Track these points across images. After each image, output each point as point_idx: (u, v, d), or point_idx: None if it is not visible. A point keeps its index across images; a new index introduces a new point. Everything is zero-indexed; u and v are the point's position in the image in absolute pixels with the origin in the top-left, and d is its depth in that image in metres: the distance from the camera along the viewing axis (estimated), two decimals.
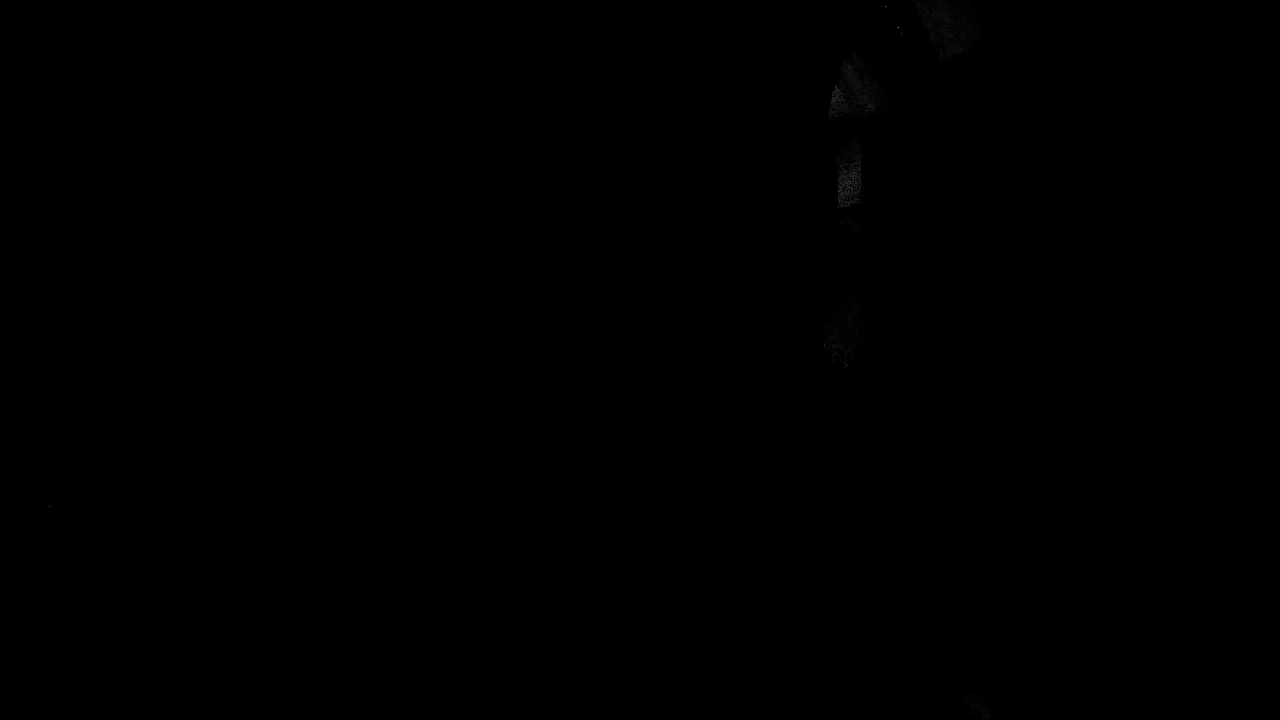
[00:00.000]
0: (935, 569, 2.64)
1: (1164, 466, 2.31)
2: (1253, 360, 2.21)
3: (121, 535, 1.72)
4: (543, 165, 2.51)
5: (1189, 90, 2.29)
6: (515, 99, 2.41)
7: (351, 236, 2.07)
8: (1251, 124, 2.21)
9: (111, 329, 1.70)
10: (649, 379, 3.00)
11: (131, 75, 1.71)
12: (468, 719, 2.08)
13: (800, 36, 2.65)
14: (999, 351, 2.55)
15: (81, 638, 1.65)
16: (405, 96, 2.16)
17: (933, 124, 2.94)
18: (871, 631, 2.60)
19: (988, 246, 2.56)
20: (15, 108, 1.57)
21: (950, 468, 2.62)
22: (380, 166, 2.13)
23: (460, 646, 2.25)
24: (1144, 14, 2.34)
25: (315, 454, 2.02)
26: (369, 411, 2.12)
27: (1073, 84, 2.49)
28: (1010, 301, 2.53)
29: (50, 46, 1.60)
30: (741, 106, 2.68)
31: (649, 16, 2.64)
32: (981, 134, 2.74)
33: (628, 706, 2.13)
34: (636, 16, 2.62)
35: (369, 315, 2.11)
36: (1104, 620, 2.40)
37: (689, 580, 2.83)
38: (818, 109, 2.84)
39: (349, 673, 2.04)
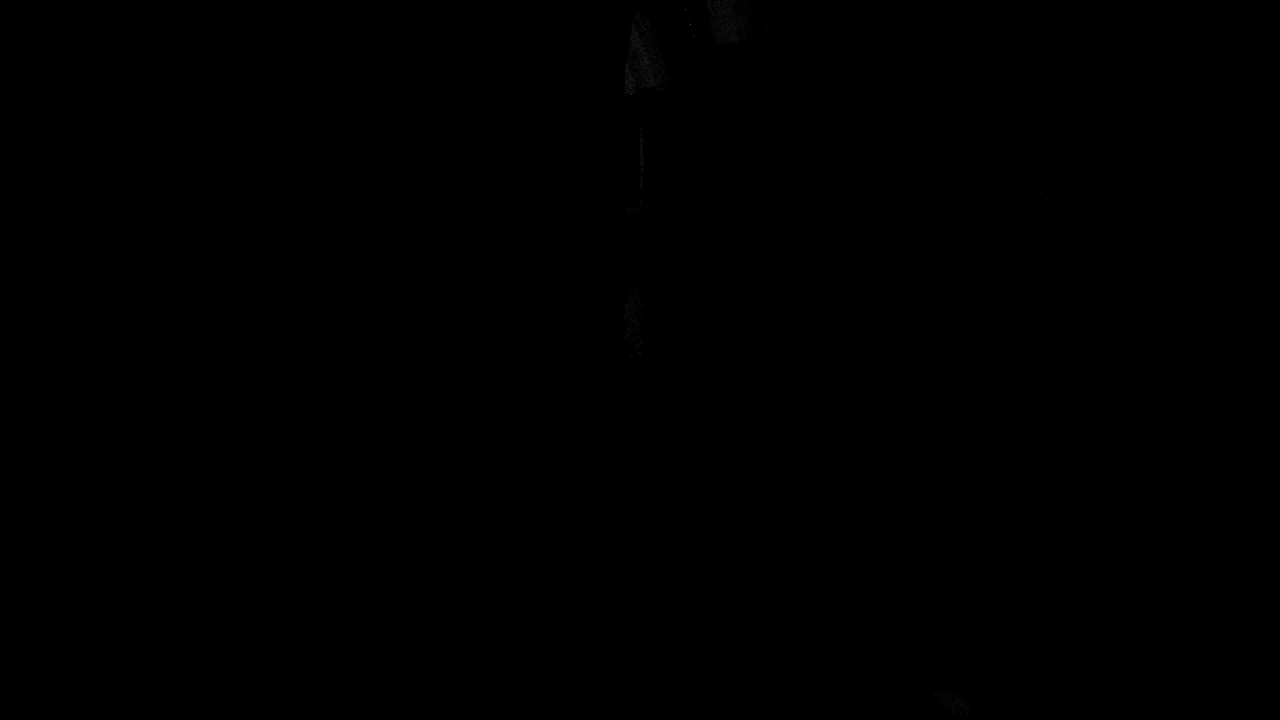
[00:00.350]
0: (935, 569, 2.64)
1: (1164, 466, 2.31)
2: (1253, 360, 2.21)
3: (121, 535, 1.72)
4: (543, 165, 2.51)
5: (1189, 90, 2.29)
6: (515, 99, 2.41)
7: (351, 236, 2.07)
8: (1251, 124, 2.21)
9: (111, 329, 1.70)
10: (649, 379, 3.00)
11: (131, 75, 1.71)
12: (468, 719, 2.08)
13: None
14: (999, 351, 2.55)
15: (81, 638, 1.65)
16: (405, 96, 2.16)
17: (711, 105, 2.88)
18: (871, 631, 2.60)
19: (986, 245, 2.56)
20: (15, 108, 1.57)
21: (950, 468, 2.62)
22: (380, 166, 2.13)
23: (460, 646, 2.25)
24: (1144, 14, 2.34)
25: (315, 454, 2.02)
26: (369, 411, 2.12)
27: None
28: (1011, 301, 2.53)
29: (50, 46, 1.60)
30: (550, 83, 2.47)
31: None
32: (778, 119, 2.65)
33: (628, 706, 2.13)
34: None
35: (369, 315, 2.11)
36: (1104, 620, 2.40)
37: (689, 580, 2.83)
38: (616, 79, 2.68)
39: (349, 673, 2.04)
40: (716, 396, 3.05)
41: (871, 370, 2.74)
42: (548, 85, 2.50)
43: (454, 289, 2.29)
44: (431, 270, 2.23)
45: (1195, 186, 2.28)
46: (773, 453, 2.93)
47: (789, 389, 2.90)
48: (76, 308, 1.66)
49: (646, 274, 3.07)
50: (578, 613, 2.53)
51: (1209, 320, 2.26)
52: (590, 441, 2.67)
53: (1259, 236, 2.19)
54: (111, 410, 1.70)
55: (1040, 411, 2.48)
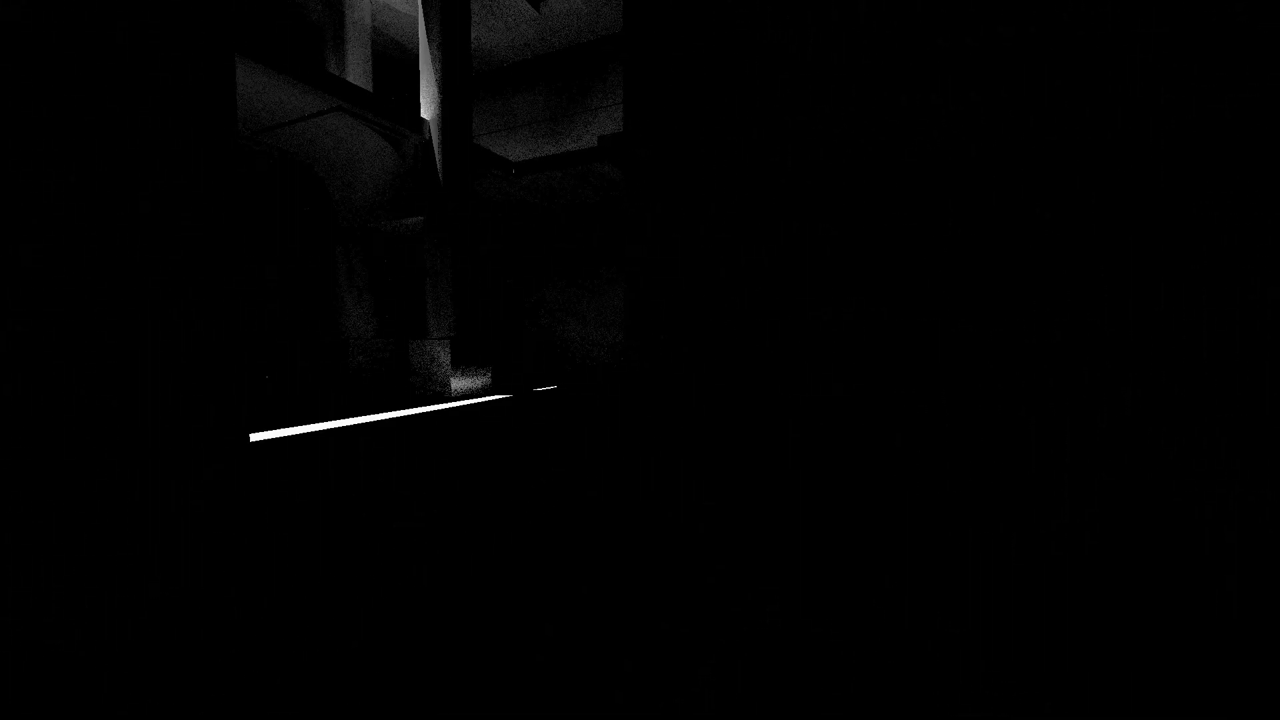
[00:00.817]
0: (935, 569, 2.64)
1: (1164, 466, 2.31)
2: (1253, 360, 2.21)
3: (121, 535, 1.71)
4: (542, 165, 2.50)
5: (1189, 90, 2.29)
6: (516, 99, 2.40)
7: (351, 236, 2.07)
8: (1251, 124, 2.21)
9: (111, 329, 1.70)
10: (649, 379, 3.00)
11: (131, 75, 1.71)
12: (468, 719, 2.08)
13: None
14: (999, 351, 2.55)
15: (81, 638, 1.65)
16: (405, 96, 2.16)
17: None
18: (871, 631, 2.60)
19: (986, 245, 2.56)
20: (15, 108, 1.57)
21: (950, 468, 2.62)
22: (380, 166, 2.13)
23: (460, 646, 2.25)
24: (1144, 14, 2.34)
25: (316, 454, 2.02)
26: (369, 411, 2.12)
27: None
28: (1011, 301, 2.53)
29: (50, 46, 1.60)
30: None
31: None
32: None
33: (628, 706, 2.13)
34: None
35: (369, 315, 2.11)
36: (1104, 620, 2.40)
37: (689, 580, 2.83)
38: None
39: (349, 673, 2.04)
40: (716, 396, 3.05)
41: (871, 370, 2.74)
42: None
43: (457, 289, 2.29)
44: (433, 270, 2.23)
45: (1195, 186, 2.28)
46: (773, 453, 2.93)
47: (789, 389, 2.90)
48: (76, 308, 1.66)
49: (646, 274, 3.06)
50: (578, 613, 2.53)
51: (1209, 320, 2.26)
52: (590, 441, 2.66)
53: (1259, 236, 2.19)
54: (111, 410, 1.70)
55: (1040, 411, 2.48)
